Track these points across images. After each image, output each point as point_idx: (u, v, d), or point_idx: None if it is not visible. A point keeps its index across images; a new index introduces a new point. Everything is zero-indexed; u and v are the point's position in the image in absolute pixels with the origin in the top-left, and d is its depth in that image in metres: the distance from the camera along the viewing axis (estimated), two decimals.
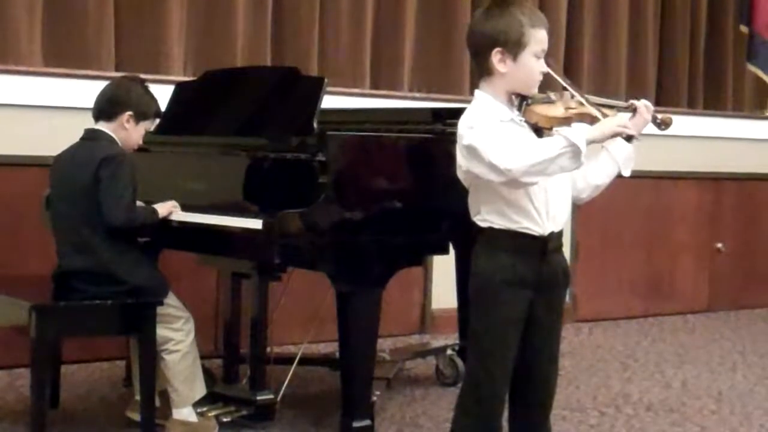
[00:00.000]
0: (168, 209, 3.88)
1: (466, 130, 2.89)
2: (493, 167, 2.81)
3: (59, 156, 3.93)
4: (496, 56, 2.92)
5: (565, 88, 3.00)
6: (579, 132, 2.81)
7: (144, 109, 3.91)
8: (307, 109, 3.84)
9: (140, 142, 3.96)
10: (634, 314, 6.93)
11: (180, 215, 3.89)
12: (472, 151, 2.86)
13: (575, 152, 2.78)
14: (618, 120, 2.92)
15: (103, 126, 3.87)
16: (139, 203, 3.87)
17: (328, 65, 6.16)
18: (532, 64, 2.93)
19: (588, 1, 7.26)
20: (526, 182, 2.84)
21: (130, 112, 3.87)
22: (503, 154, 2.79)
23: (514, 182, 2.83)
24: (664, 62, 7.75)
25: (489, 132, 2.85)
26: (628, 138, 2.95)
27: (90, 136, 3.88)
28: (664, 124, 3.07)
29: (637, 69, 7.55)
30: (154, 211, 3.84)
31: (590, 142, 2.83)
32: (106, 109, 3.88)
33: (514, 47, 2.91)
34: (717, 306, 7.31)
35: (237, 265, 4.14)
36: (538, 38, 2.93)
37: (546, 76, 2.98)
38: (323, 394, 4.61)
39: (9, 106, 4.92)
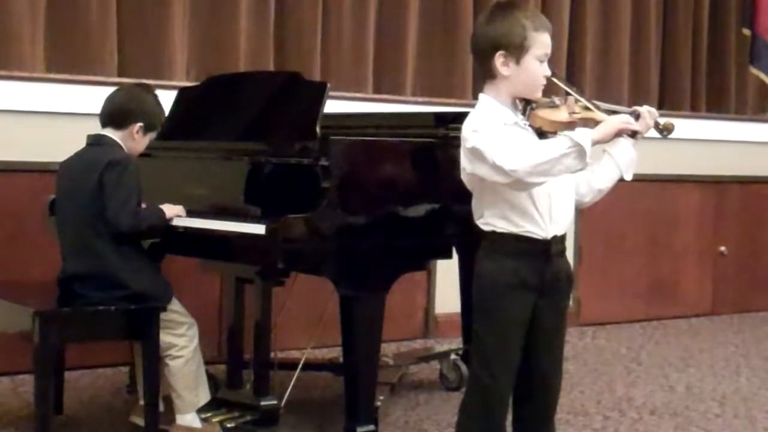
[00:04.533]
0: (174, 211, 3.87)
1: (470, 134, 2.89)
2: (497, 168, 2.81)
3: (65, 161, 3.94)
4: (498, 59, 2.92)
5: (568, 93, 3.01)
6: (583, 133, 2.81)
7: (155, 121, 3.94)
8: (310, 114, 3.84)
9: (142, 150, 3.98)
10: (637, 318, 6.93)
11: (183, 220, 3.89)
12: (476, 154, 2.86)
13: (580, 152, 2.78)
14: (621, 117, 2.91)
15: (110, 132, 3.88)
16: (144, 204, 3.87)
17: (331, 70, 6.17)
18: (535, 67, 2.94)
19: (590, 4, 7.26)
20: (532, 182, 2.84)
21: (141, 123, 3.88)
22: (508, 155, 2.79)
23: (520, 183, 2.83)
24: (667, 65, 7.75)
25: (493, 134, 2.85)
26: (633, 134, 2.92)
27: (96, 141, 3.89)
28: (666, 130, 3.07)
29: (640, 72, 7.55)
30: (162, 211, 3.84)
31: (595, 142, 2.84)
32: (117, 117, 3.88)
33: (516, 51, 2.91)
34: (720, 309, 7.30)
35: (240, 270, 4.14)
36: (542, 42, 2.93)
37: (550, 80, 2.98)
38: (327, 399, 4.61)
39: (11, 111, 4.93)
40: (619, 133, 2.91)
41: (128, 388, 4.49)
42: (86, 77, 5.18)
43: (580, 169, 2.86)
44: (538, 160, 2.78)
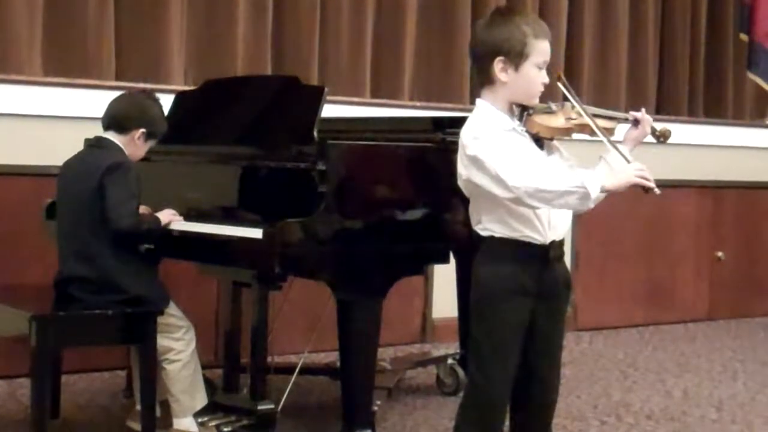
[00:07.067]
0: (168, 217, 3.88)
1: (471, 141, 2.89)
2: (500, 181, 2.81)
3: (66, 163, 3.94)
4: (498, 65, 2.92)
5: (566, 98, 3.01)
6: (597, 177, 2.80)
7: (158, 129, 3.95)
8: (308, 118, 3.83)
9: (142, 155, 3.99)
10: (634, 323, 6.93)
11: (180, 225, 3.90)
12: (476, 162, 2.86)
13: (584, 195, 2.78)
14: (637, 171, 2.84)
15: (112, 136, 3.88)
16: (142, 209, 3.87)
17: (329, 74, 6.16)
18: (533, 74, 2.94)
19: (588, 9, 7.27)
20: (529, 204, 2.84)
21: (144, 130, 3.89)
22: (513, 170, 2.79)
23: (517, 200, 2.83)
24: (665, 70, 7.75)
25: (495, 144, 2.85)
26: (646, 190, 2.84)
27: (97, 143, 3.90)
28: (662, 137, 3.08)
29: (638, 77, 7.55)
30: (157, 218, 3.85)
31: (605, 191, 2.82)
32: (120, 121, 3.89)
33: (516, 57, 2.91)
34: (717, 314, 7.30)
35: (237, 275, 4.13)
36: (541, 49, 2.93)
37: (547, 85, 2.98)
38: (324, 404, 4.60)
39: (9, 115, 4.92)
40: (633, 185, 2.84)
41: (125, 393, 4.48)
42: (84, 81, 5.18)
43: (580, 211, 2.88)
44: (543, 186, 2.78)
